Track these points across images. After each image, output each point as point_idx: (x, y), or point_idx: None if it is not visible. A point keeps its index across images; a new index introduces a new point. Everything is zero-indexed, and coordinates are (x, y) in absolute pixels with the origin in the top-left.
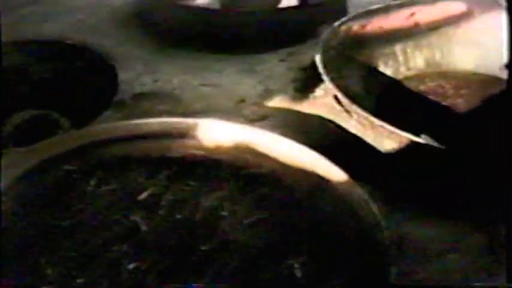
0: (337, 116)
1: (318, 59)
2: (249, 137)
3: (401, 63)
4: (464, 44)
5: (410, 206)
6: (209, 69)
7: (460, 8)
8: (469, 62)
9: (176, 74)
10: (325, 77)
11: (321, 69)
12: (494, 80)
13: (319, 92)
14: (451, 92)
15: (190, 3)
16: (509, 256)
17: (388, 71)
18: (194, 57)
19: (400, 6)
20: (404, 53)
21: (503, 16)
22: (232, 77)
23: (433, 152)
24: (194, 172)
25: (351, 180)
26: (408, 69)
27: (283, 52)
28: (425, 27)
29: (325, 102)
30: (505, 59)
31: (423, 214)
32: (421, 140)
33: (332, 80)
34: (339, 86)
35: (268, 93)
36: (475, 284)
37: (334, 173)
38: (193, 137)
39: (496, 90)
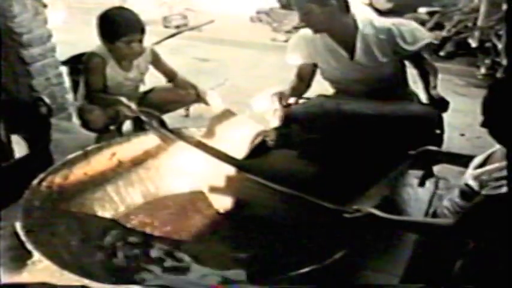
0: (60, 278)
1: (18, 226)
2: None
3: (119, 203)
4: (174, 172)
5: None
6: None
7: (155, 141)
8: (184, 187)
9: None
10: (29, 246)
11: (23, 237)
12: (201, 196)
13: (37, 256)
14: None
15: None
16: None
17: (107, 214)
18: None
19: (99, 149)
20: (118, 192)
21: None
22: None
23: None
24: None
25: None
26: (127, 207)
27: None
28: (129, 163)
29: (45, 266)
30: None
31: None
32: None
33: (39, 245)
34: (46, 253)
35: None
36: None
37: None
38: None
39: (204, 205)
